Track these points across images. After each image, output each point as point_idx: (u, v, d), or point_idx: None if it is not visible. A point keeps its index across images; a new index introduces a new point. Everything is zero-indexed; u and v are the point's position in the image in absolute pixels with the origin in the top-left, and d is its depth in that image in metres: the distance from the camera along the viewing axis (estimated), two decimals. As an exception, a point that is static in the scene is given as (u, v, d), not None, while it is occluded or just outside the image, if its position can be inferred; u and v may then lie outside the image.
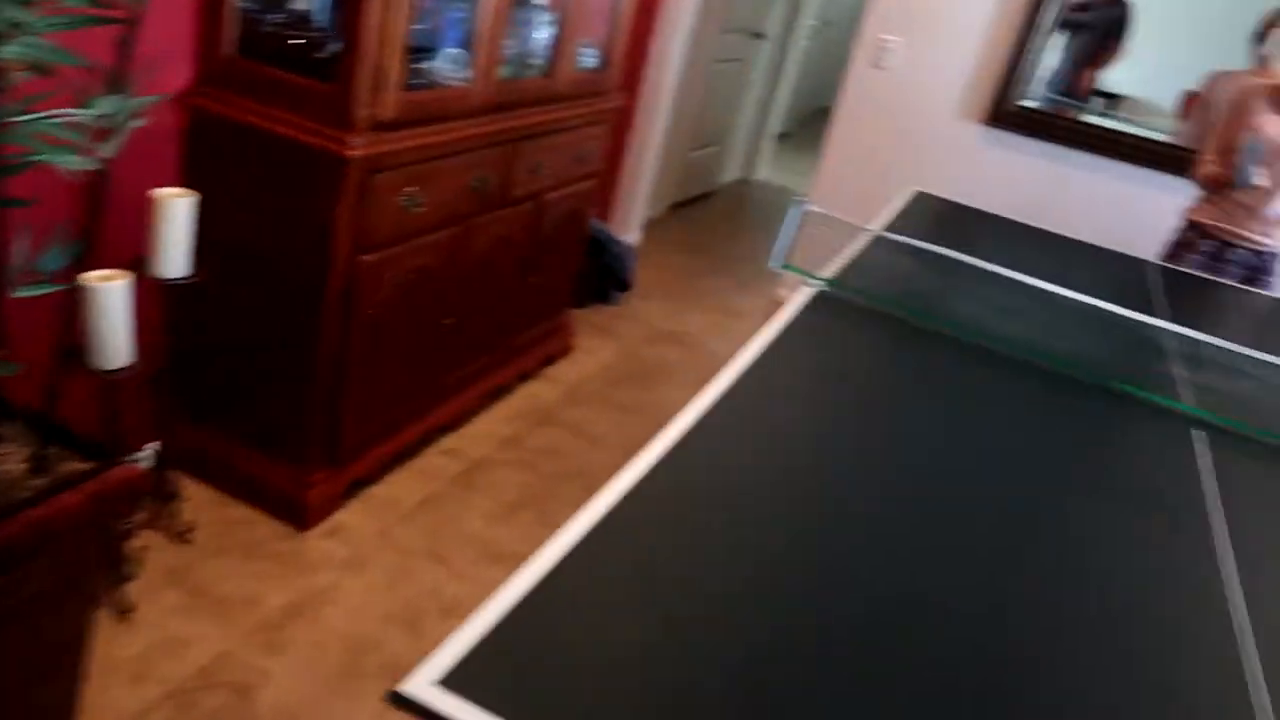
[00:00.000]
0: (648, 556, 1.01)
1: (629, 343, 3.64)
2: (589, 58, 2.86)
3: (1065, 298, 1.95)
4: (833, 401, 1.51)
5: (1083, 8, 3.58)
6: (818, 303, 1.87)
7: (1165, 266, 2.86)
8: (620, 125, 4.19)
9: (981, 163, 3.73)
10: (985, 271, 1.98)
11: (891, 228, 2.57)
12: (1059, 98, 3.70)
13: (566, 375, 3.30)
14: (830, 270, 2.02)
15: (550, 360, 3.32)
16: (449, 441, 2.73)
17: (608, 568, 0.98)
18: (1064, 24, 3.60)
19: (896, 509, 1.23)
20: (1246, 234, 2.85)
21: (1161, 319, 2.32)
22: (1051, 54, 3.61)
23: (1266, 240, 2.86)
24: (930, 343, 1.81)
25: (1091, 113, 3.66)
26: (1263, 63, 3.33)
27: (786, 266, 1.96)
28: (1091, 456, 1.52)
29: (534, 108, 2.56)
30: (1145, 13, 3.51)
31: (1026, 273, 2.43)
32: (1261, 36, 3.34)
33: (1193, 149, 3.14)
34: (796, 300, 1.86)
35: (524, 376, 3.18)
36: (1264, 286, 2.90)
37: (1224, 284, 2.85)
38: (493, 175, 2.45)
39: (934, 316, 1.90)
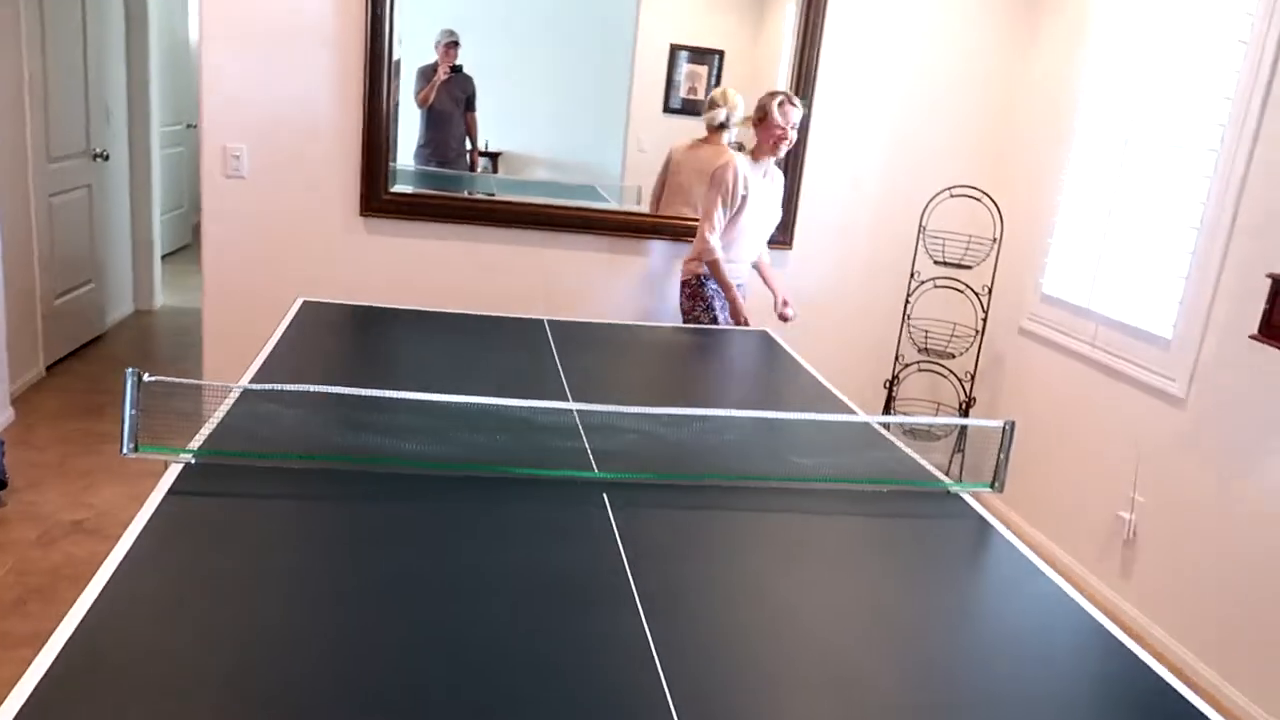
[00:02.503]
0: None
1: (20, 551, 2.95)
2: None
3: (466, 404, 1.91)
4: (237, 578, 1.26)
5: (430, 93, 3.71)
6: (190, 477, 1.59)
7: (556, 321, 3.03)
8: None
9: (370, 252, 3.68)
10: (375, 398, 1.87)
11: (280, 351, 2.37)
12: (433, 168, 3.79)
13: (-70, 629, 2.55)
14: (199, 438, 1.75)
15: (-99, 618, 2.54)
16: None
17: None
18: (422, 103, 3.69)
19: (327, 683, 1.03)
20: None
21: (564, 376, 2.43)
22: (413, 131, 3.70)
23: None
24: (332, 484, 1.64)
25: (461, 186, 3.81)
26: (711, 141, 3.82)
27: (139, 448, 1.65)
28: (522, 547, 1.47)
29: None
30: (503, 74, 3.74)
31: (434, 366, 2.39)
32: (720, 125, 3.81)
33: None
34: (161, 485, 1.57)
35: None
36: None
37: (600, 323, 3.11)
38: None
39: (325, 455, 1.73)
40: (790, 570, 1.53)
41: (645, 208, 3.90)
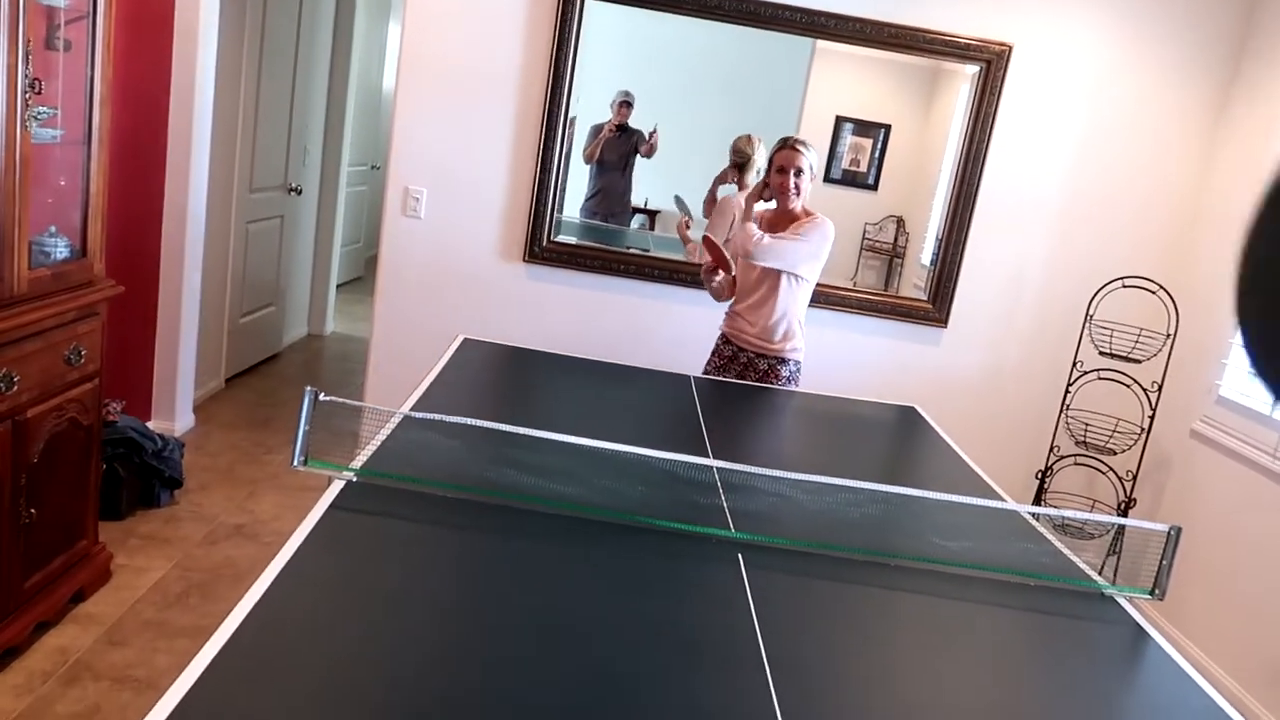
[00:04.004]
0: None
1: (187, 548, 3.17)
2: (58, 248, 2.48)
3: (611, 450, 1.96)
4: (385, 595, 1.32)
5: (596, 150, 3.87)
6: (350, 495, 1.69)
7: (701, 379, 3.06)
8: (136, 311, 3.75)
9: (528, 298, 3.82)
10: (524, 436, 1.94)
11: (439, 384, 2.49)
12: (596, 222, 3.93)
13: (104, 609, 2.77)
14: (362, 458, 1.86)
15: (81, 596, 2.77)
16: (-72, 746, 2.13)
17: None
18: (588, 159, 3.85)
19: (474, 695, 1.07)
20: (750, 340, 3.11)
21: (707, 435, 2.44)
22: (581, 183, 3.86)
23: (763, 344, 3.09)
24: (478, 516, 1.70)
25: (621, 240, 3.93)
26: (738, 182, 3.82)
27: (309, 463, 1.76)
28: (654, 598, 1.48)
29: (-18, 317, 2.14)
30: (669, 136, 3.86)
31: (580, 411, 2.46)
32: (736, 164, 3.83)
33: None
34: (325, 498, 1.67)
35: (44, 625, 2.61)
36: (780, 385, 3.17)
37: (746, 385, 3.11)
38: (-66, 407, 1.99)
39: (477, 488, 1.80)
40: (926, 657, 1.48)
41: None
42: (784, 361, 3.14)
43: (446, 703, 1.16)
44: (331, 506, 1.63)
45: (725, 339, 3.21)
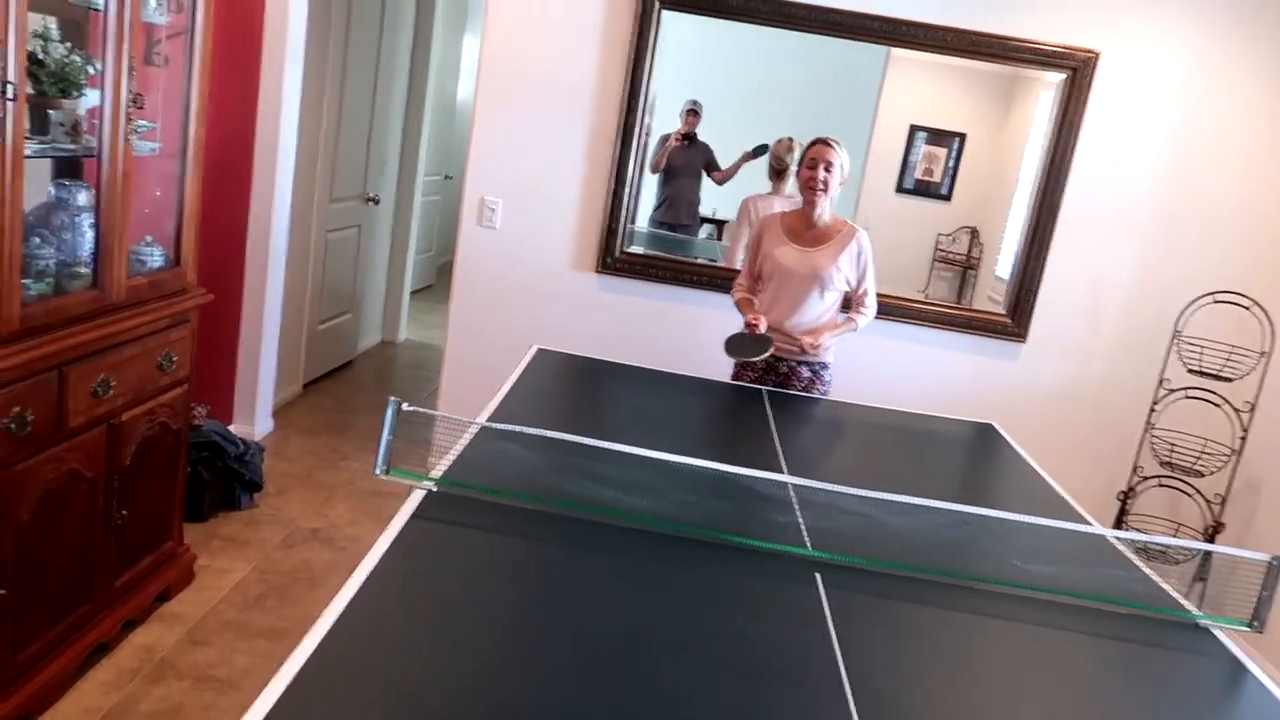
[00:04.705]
0: None
1: (265, 551, 3.25)
2: (153, 257, 2.57)
3: (685, 464, 1.95)
4: (463, 606, 1.34)
5: (667, 156, 3.88)
6: (430, 505, 1.71)
7: (774, 392, 3.04)
8: (220, 318, 3.86)
9: (600, 308, 3.84)
10: (599, 448, 1.95)
11: (515, 394, 2.51)
12: (664, 231, 3.94)
13: (188, 609, 2.85)
14: (441, 468, 1.88)
15: (166, 595, 2.86)
16: (25, 737, 2.21)
17: None
18: (655, 169, 3.86)
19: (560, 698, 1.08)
20: (788, 349, 3.05)
21: (781, 449, 2.42)
22: (651, 193, 3.87)
23: (800, 354, 3.04)
24: (553, 527, 1.71)
25: (689, 250, 3.93)
26: (776, 189, 3.78)
27: (391, 471, 1.79)
28: (730, 617, 1.47)
29: (83, 324, 2.22)
30: (740, 143, 3.85)
31: (651, 423, 2.46)
32: (776, 169, 3.80)
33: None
34: (406, 508, 1.69)
35: (131, 624, 2.70)
36: (818, 390, 3.13)
37: (819, 399, 3.07)
38: (35, 409, 2.07)
39: (553, 500, 1.81)
40: (1010, 684, 1.44)
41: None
42: (826, 366, 3.12)
43: (511, 710, 1.16)
44: (413, 516, 1.65)
45: None
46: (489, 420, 2.21)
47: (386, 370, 5.59)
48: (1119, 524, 3.75)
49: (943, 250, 3.96)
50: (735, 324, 3.05)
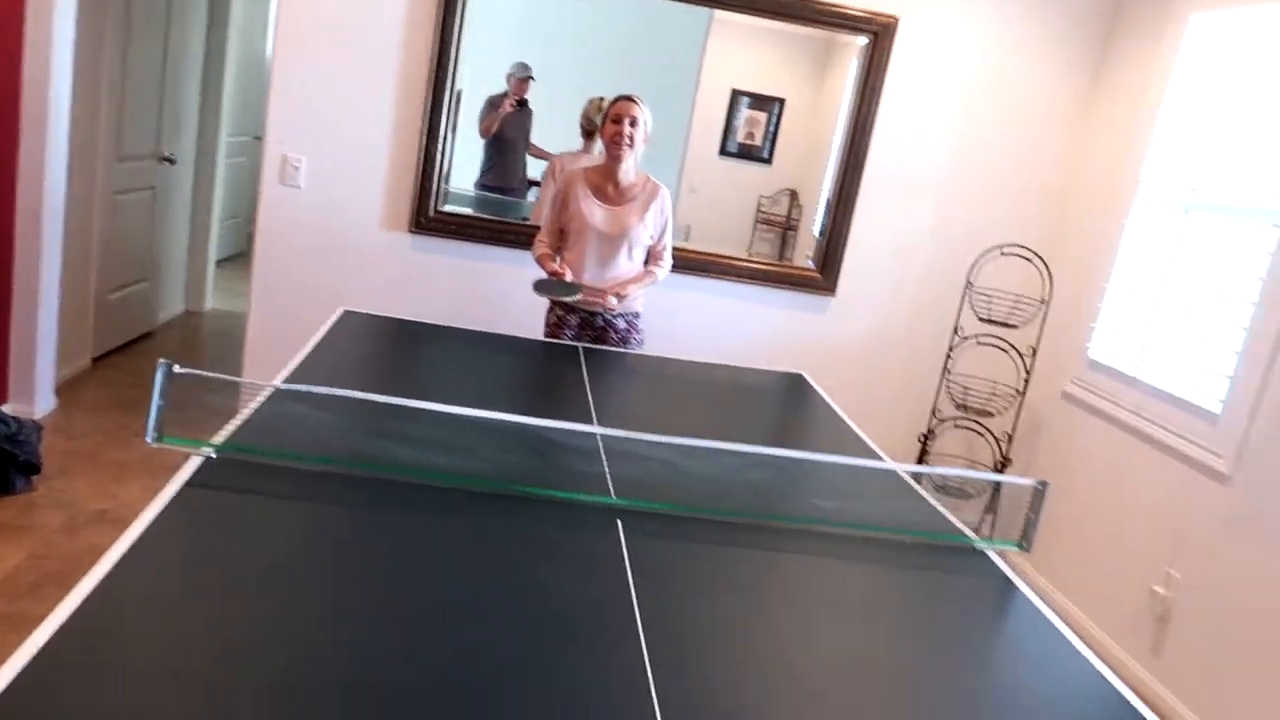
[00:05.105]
0: None
1: (44, 536, 2.99)
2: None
3: (487, 419, 1.91)
4: (247, 572, 1.25)
5: (493, 124, 3.78)
6: (210, 472, 1.60)
7: (590, 348, 3.03)
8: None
9: (415, 269, 3.72)
10: (401, 407, 1.87)
11: (316, 357, 2.39)
12: (491, 194, 3.84)
13: (-48, 604, 2.59)
14: (225, 433, 1.77)
15: (-74, 590, 2.58)
16: None
17: None
18: (484, 133, 3.76)
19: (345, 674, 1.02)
20: (600, 303, 3.06)
21: (593, 403, 2.42)
22: (473, 155, 3.76)
23: (617, 307, 3.06)
24: (349, 490, 1.64)
25: (517, 213, 3.85)
26: (585, 148, 3.77)
27: (162, 439, 1.66)
28: (530, 570, 1.45)
29: None
30: (563, 107, 3.78)
31: (462, 382, 2.39)
32: (586, 129, 3.78)
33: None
34: (180, 475, 1.58)
35: (-117, 624, 2.42)
36: (633, 341, 3.18)
37: (637, 355, 3.10)
38: None
39: (347, 461, 1.74)
40: (802, 615, 1.49)
41: (692, 245, 3.90)
42: (638, 315, 3.19)
43: (291, 680, 1.10)
44: (187, 484, 1.54)
45: (569, 307, 3.15)
46: (284, 383, 2.09)
47: (191, 341, 5.25)
48: (919, 463, 3.98)
49: (764, 212, 4.05)
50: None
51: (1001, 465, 3.89)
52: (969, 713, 1.29)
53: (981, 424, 3.96)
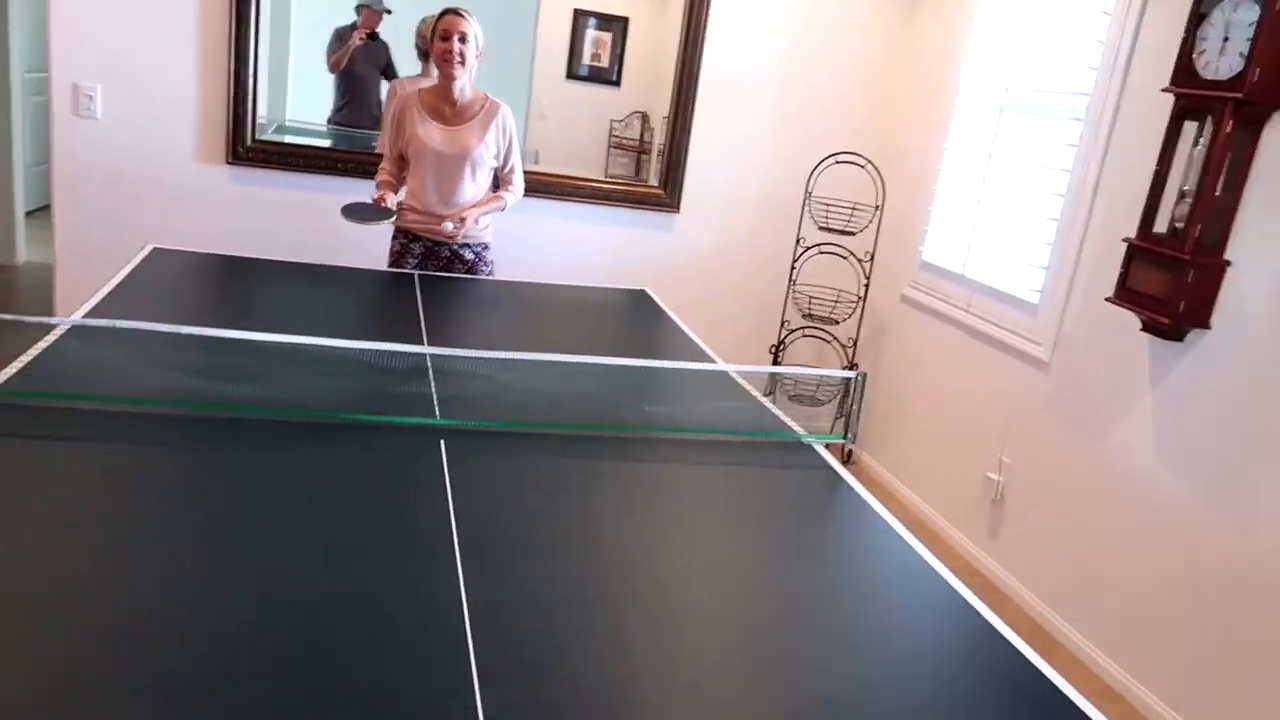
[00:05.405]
0: None
1: None
2: None
3: (304, 345, 1.81)
4: (42, 520, 1.15)
5: (343, 58, 3.56)
6: (-18, 424, 1.47)
7: (426, 275, 2.94)
8: None
9: (234, 203, 3.51)
10: (211, 338, 1.76)
11: (116, 296, 2.22)
12: (344, 128, 3.63)
13: None
14: (4, 375, 1.62)
15: None
16: None
17: None
18: (333, 68, 3.54)
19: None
20: (438, 231, 2.94)
21: (425, 327, 2.34)
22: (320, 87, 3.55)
23: (458, 234, 2.92)
24: (152, 429, 1.53)
25: (364, 144, 3.65)
26: (425, 71, 3.61)
27: (-76, 389, 1.51)
28: (347, 496, 1.39)
29: None
30: (400, 37, 3.59)
31: (283, 314, 2.27)
32: (421, 50, 3.61)
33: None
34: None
35: None
36: (482, 272, 3.09)
37: (476, 280, 3.02)
38: None
39: (145, 400, 1.62)
40: (625, 521, 1.49)
41: (541, 167, 3.80)
42: (486, 247, 3.08)
43: (99, 628, 1.03)
44: (-49, 433, 1.41)
45: (413, 235, 3.02)
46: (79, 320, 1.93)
47: (2, 296, 4.84)
48: (773, 376, 4.07)
49: (617, 136, 3.98)
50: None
51: (849, 370, 4.02)
52: (783, 590, 1.32)
53: (828, 332, 4.07)
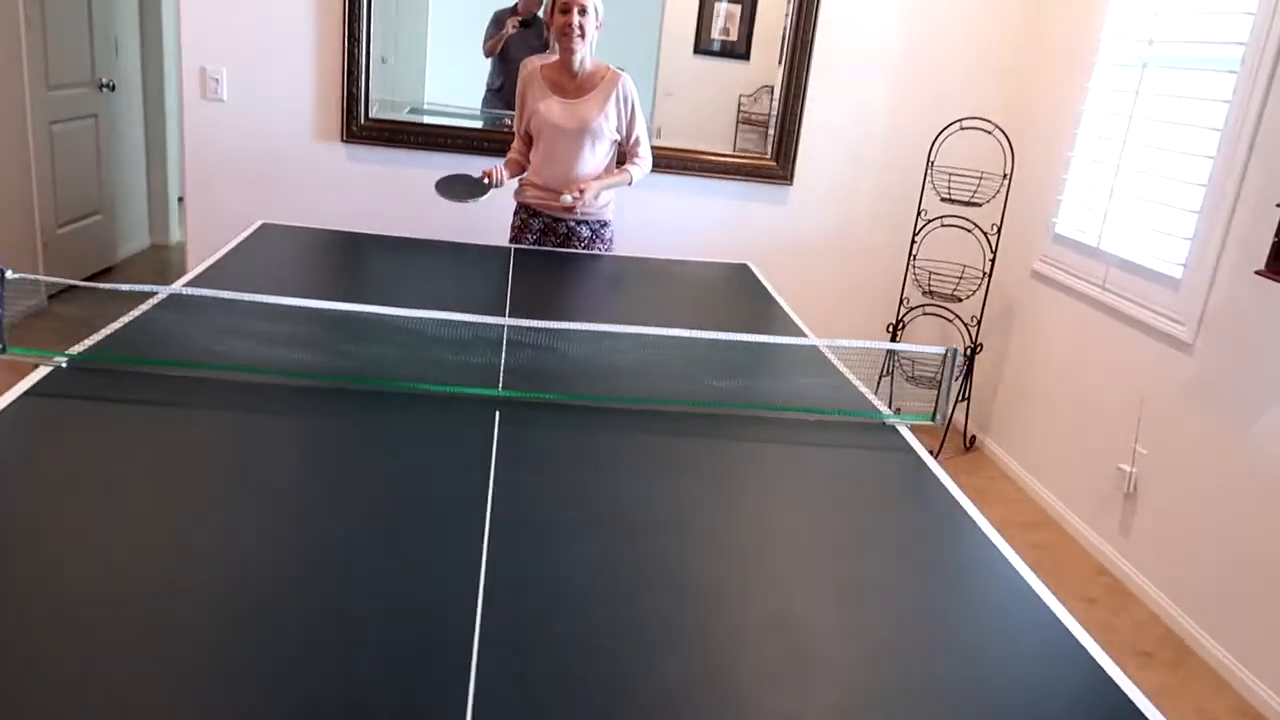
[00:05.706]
0: None
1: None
2: None
3: (399, 316, 1.82)
4: (101, 480, 1.19)
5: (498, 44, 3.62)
6: (60, 381, 1.53)
7: (521, 249, 2.93)
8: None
9: (351, 180, 3.60)
10: (296, 309, 1.79)
11: (218, 269, 2.30)
12: (497, 112, 3.69)
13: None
14: (88, 342, 1.69)
15: None
16: None
17: None
18: (489, 53, 3.61)
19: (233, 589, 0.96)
20: (556, 207, 2.92)
21: (510, 301, 2.33)
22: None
23: (576, 208, 2.87)
24: (221, 394, 1.56)
25: (481, 122, 3.69)
26: (553, 49, 3.58)
27: (8, 350, 1.59)
28: (394, 469, 1.38)
29: None
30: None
31: (375, 286, 2.30)
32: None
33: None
34: (22, 385, 1.51)
35: None
36: (598, 249, 3.03)
37: (571, 253, 2.98)
38: None
39: (215, 365, 1.66)
40: (672, 494, 1.42)
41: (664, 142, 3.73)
42: (605, 224, 3.02)
43: (133, 581, 1.04)
44: (27, 393, 1.47)
45: (533, 211, 3.03)
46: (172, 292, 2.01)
47: (151, 274, 5.17)
48: (889, 355, 3.88)
49: (745, 111, 3.87)
50: (508, 189, 2.91)
51: (972, 352, 3.79)
52: (842, 577, 1.22)
53: (950, 310, 3.85)
